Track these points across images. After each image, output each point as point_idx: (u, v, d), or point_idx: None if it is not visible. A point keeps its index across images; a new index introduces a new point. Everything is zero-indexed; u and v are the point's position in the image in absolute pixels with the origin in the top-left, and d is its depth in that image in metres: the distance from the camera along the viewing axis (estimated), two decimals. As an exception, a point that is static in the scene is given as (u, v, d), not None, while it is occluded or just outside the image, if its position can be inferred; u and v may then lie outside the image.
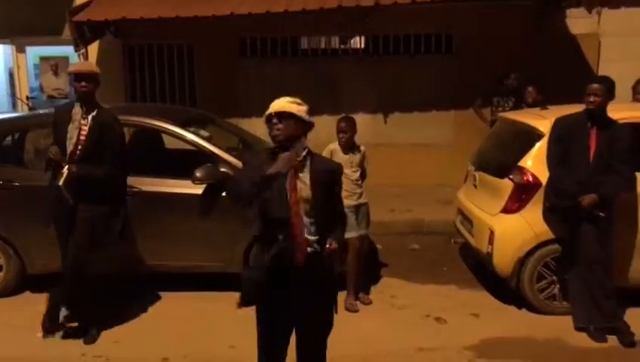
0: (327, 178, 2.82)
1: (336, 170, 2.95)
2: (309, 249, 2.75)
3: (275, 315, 2.81)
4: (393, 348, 3.97)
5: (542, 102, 5.79)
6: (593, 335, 4.10)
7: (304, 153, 2.77)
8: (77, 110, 4.05)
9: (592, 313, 4.11)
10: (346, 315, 4.50)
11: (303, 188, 2.74)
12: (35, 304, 4.78)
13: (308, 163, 2.78)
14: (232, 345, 3.96)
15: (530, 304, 4.51)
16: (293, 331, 2.89)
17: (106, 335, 4.22)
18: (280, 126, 2.72)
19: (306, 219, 2.74)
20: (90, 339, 4.14)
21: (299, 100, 2.79)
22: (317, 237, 2.77)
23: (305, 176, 2.75)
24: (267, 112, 2.78)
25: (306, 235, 2.74)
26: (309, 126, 2.79)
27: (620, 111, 4.33)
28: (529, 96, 6.83)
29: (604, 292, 4.06)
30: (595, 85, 4.02)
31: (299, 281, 2.75)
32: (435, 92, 8.42)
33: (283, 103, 2.75)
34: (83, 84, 4.00)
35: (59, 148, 3.98)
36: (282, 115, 2.72)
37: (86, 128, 4.03)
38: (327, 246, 2.79)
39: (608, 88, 4.04)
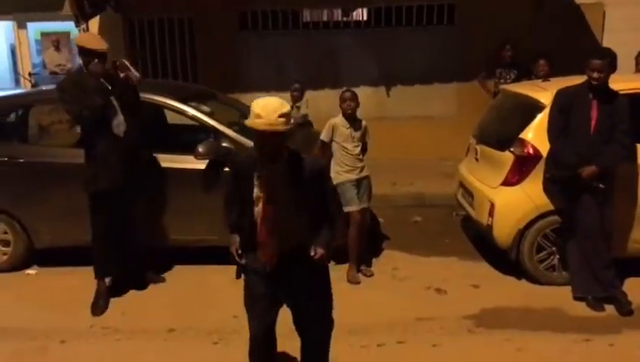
0: (310, 178, 2.72)
1: (318, 170, 2.84)
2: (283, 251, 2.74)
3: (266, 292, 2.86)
4: (394, 318, 4.04)
5: (551, 75, 5.69)
6: (591, 305, 4.16)
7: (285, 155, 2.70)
8: (105, 85, 4.10)
9: (590, 283, 4.17)
10: (348, 287, 4.59)
11: (282, 190, 2.68)
12: (44, 278, 4.91)
13: (288, 165, 2.69)
14: (235, 315, 4.03)
15: (530, 275, 4.57)
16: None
17: (113, 307, 4.32)
18: (270, 143, 2.60)
19: (285, 223, 2.70)
20: (98, 311, 4.24)
21: (284, 107, 2.59)
22: (299, 240, 2.75)
23: (285, 177, 2.68)
24: (254, 123, 2.57)
25: (284, 239, 2.72)
26: (292, 132, 2.68)
27: (622, 82, 4.32)
28: (541, 69, 6.68)
29: (603, 263, 4.11)
30: (598, 61, 3.99)
31: (283, 279, 2.79)
32: (438, 64, 8.38)
33: (274, 120, 2.54)
34: (103, 64, 4.06)
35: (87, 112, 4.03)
36: (274, 134, 2.57)
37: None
38: (312, 254, 2.72)
39: (610, 62, 4.02)
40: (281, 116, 2.56)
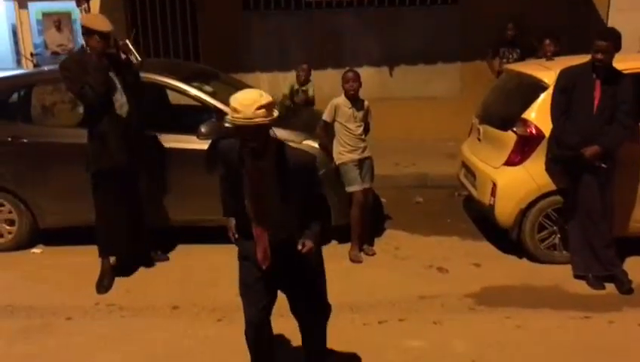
0: (298, 173, 2.64)
1: (307, 162, 2.73)
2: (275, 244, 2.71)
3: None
4: (396, 296, 4.08)
5: (557, 54, 5.64)
6: (591, 283, 4.20)
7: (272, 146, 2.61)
8: (106, 63, 4.11)
9: (591, 261, 4.20)
10: (351, 266, 4.64)
11: (266, 184, 2.62)
12: (49, 256, 4.95)
13: (275, 157, 2.60)
14: (238, 294, 4.08)
15: (531, 254, 4.60)
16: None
17: (117, 286, 4.37)
18: (253, 138, 2.49)
19: (273, 216, 2.66)
20: (103, 289, 4.29)
21: (263, 98, 2.47)
22: (288, 233, 2.70)
23: (270, 171, 2.61)
24: (233, 118, 2.47)
25: (274, 233, 2.69)
26: (275, 120, 2.55)
27: (625, 62, 4.30)
28: (547, 49, 6.61)
29: (604, 242, 4.13)
30: (602, 43, 3.96)
31: (276, 270, 2.76)
32: (441, 44, 8.32)
33: (252, 113, 2.43)
34: (103, 42, 4.05)
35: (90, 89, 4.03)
36: (256, 128, 2.47)
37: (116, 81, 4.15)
38: (300, 247, 2.65)
39: (614, 42, 4.00)
40: (259, 108, 2.44)
